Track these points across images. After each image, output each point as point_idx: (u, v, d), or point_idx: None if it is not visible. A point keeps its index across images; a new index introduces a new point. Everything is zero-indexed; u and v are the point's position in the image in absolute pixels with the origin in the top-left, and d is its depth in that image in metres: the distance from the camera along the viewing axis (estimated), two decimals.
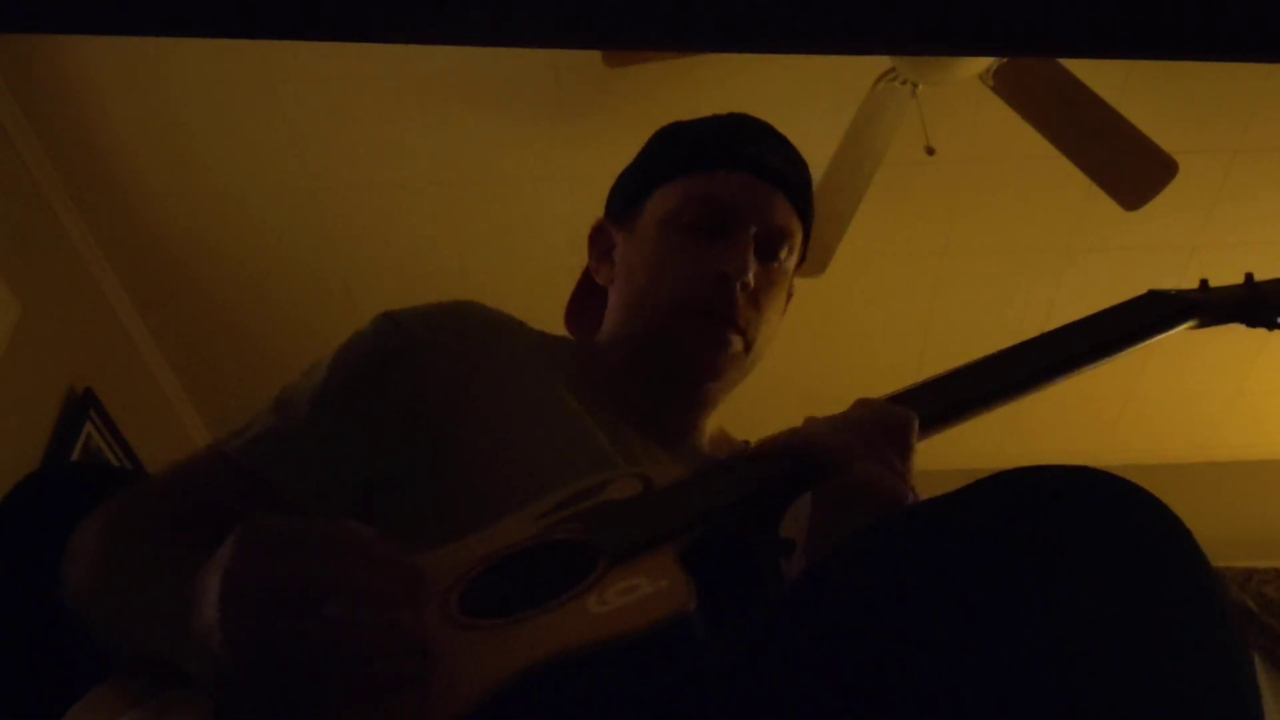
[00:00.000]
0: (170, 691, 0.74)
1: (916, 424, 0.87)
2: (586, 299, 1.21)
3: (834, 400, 0.94)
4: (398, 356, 0.99)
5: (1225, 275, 1.12)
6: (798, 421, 0.91)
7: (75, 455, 2.87)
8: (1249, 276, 1.01)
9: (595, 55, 2.48)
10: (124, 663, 0.81)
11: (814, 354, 3.33)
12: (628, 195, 1.16)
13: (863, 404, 0.90)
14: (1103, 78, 2.47)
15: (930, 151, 2.51)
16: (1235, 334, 3.29)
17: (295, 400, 0.98)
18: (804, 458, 0.85)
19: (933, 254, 3.21)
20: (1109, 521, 0.60)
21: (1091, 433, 3.71)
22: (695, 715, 0.61)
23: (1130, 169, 2.50)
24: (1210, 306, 0.99)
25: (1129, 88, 2.63)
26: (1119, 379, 3.59)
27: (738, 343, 1.06)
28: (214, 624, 0.64)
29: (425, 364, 0.99)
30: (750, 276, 1.05)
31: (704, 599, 0.66)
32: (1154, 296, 0.98)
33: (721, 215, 1.07)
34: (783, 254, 1.11)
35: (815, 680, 0.58)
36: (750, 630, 0.64)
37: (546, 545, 0.79)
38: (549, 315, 1.24)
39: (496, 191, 3.00)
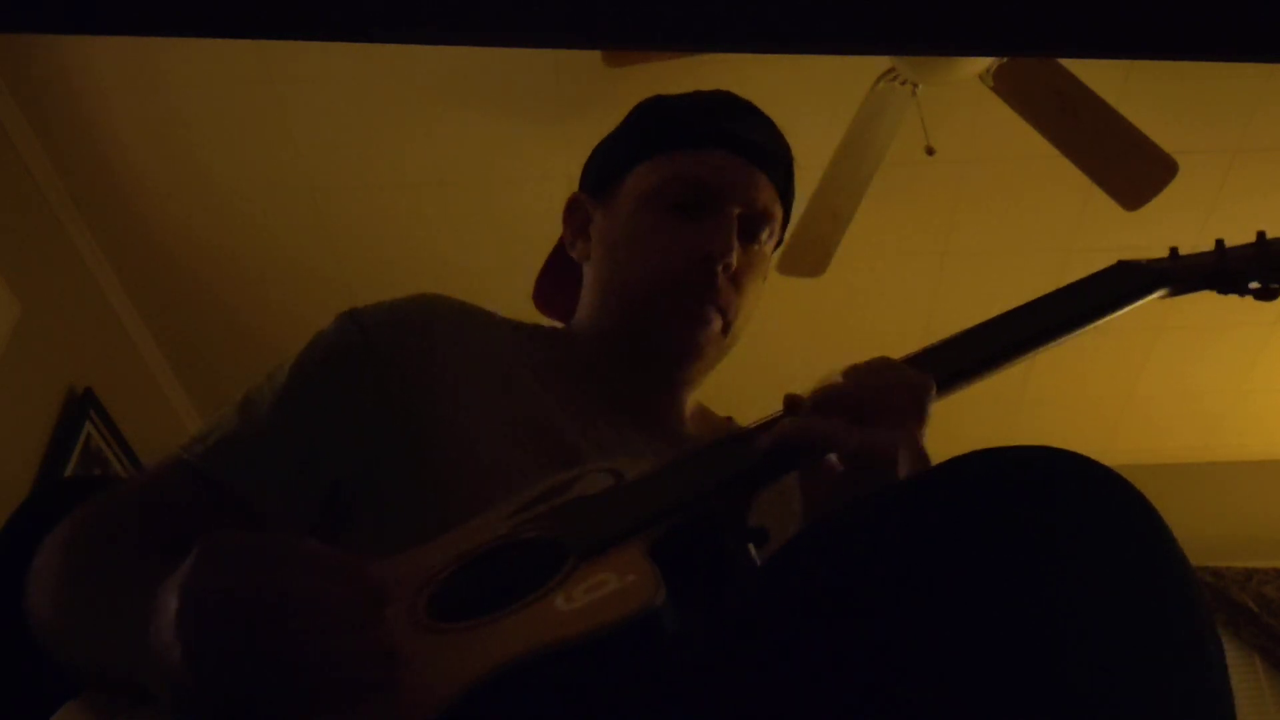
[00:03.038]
0: (140, 708, 0.74)
1: (934, 388, 0.85)
2: (557, 276, 1.19)
3: None
4: (360, 354, 0.98)
5: None
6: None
7: (75, 455, 2.87)
8: (1219, 243, 1.00)
9: (595, 55, 2.48)
10: (88, 682, 0.80)
11: (814, 354, 3.33)
12: (606, 169, 1.14)
13: (887, 365, 0.87)
14: (1103, 78, 2.47)
15: (930, 151, 2.51)
16: (1235, 334, 3.28)
17: (258, 403, 0.97)
18: (803, 441, 0.82)
19: (933, 254, 3.21)
20: (1077, 500, 0.59)
21: (1092, 433, 3.71)
22: (666, 708, 0.61)
23: (1130, 169, 2.51)
24: (1181, 275, 0.98)
25: (1129, 88, 2.63)
26: (1119, 379, 3.59)
27: (718, 322, 1.05)
28: (173, 640, 0.63)
29: (389, 360, 0.98)
30: (734, 258, 1.04)
31: (674, 592, 0.65)
32: (1123, 267, 0.97)
33: (705, 194, 1.06)
34: (763, 236, 1.09)
35: (782, 667, 0.58)
36: (717, 619, 0.64)
37: (515, 544, 0.78)
38: None
39: (496, 191, 3.00)
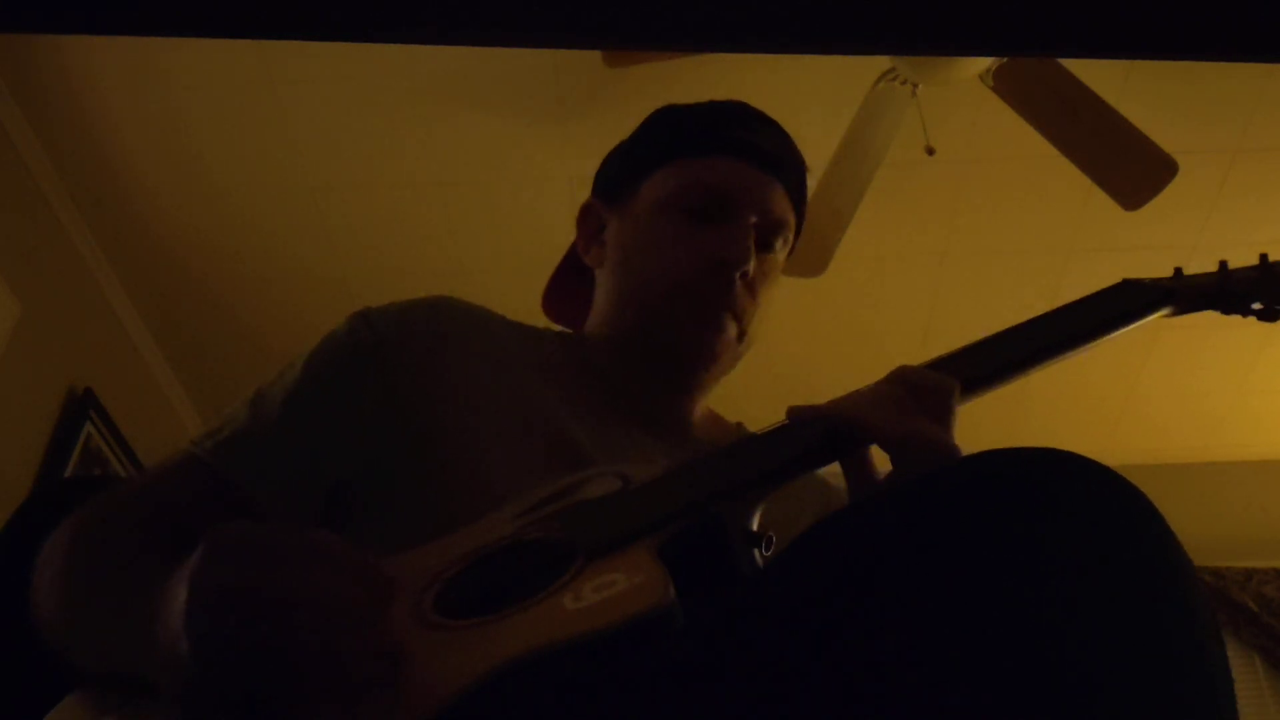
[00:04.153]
0: (141, 701, 0.74)
1: (958, 389, 0.86)
2: (568, 282, 1.20)
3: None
4: (370, 354, 0.98)
5: None
6: None
7: (75, 455, 2.87)
8: (1223, 264, 1.01)
9: (595, 55, 2.48)
10: (91, 677, 0.80)
11: (814, 354, 3.33)
12: (621, 176, 1.15)
13: (901, 371, 0.88)
14: (1103, 78, 2.47)
15: (930, 151, 2.51)
16: (1236, 334, 3.28)
17: (269, 400, 0.97)
18: (837, 430, 0.83)
19: (933, 254, 3.21)
20: (1079, 502, 0.60)
21: (1092, 432, 3.71)
22: (672, 707, 0.61)
23: (1130, 169, 2.50)
24: (1184, 294, 0.99)
25: (1129, 88, 2.63)
26: (1119, 379, 3.59)
27: (733, 328, 1.06)
28: (181, 633, 0.63)
29: (398, 361, 0.98)
30: (750, 267, 1.05)
31: (681, 593, 0.65)
32: (1128, 285, 0.99)
33: (721, 201, 1.07)
34: (778, 244, 1.10)
35: (786, 665, 0.58)
36: (723, 618, 0.64)
37: (522, 544, 0.79)
38: None
39: (496, 191, 3.00)
